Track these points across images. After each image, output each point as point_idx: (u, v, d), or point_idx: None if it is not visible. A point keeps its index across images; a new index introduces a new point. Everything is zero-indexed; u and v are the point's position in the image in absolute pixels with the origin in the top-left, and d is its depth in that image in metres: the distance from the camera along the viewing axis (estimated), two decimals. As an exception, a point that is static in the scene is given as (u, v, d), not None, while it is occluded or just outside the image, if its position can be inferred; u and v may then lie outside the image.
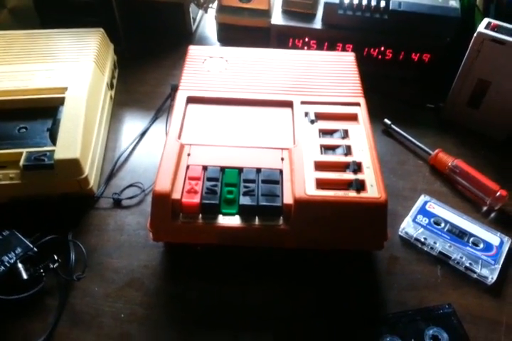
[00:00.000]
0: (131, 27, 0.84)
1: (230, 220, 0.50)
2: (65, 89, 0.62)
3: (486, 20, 0.62)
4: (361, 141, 0.56)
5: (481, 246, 0.55)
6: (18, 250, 0.51)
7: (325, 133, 0.57)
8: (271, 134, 0.57)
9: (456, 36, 0.72)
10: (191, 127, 0.57)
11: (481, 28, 0.61)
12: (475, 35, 0.62)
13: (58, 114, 0.60)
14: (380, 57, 0.77)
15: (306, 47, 0.78)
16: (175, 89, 0.63)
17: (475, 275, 0.54)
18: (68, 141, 0.56)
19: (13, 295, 0.49)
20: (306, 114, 0.59)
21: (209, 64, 0.65)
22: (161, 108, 0.73)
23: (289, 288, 0.52)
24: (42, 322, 0.49)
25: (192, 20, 0.87)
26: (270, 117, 0.59)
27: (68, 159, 0.55)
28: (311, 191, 0.50)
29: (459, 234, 0.56)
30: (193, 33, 0.89)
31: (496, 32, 0.60)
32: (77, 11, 0.78)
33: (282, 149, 0.55)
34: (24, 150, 0.56)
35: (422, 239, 0.56)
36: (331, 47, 0.77)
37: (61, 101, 0.60)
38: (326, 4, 0.73)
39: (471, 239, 0.56)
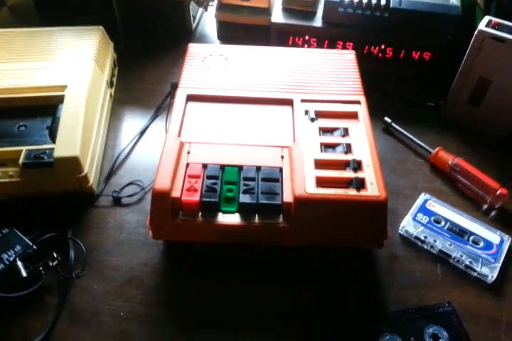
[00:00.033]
0: (131, 25, 0.84)
1: (230, 218, 0.50)
2: (65, 87, 0.62)
3: (486, 18, 0.62)
4: (361, 139, 0.56)
5: (481, 244, 0.55)
6: (18, 248, 0.51)
7: (325, 131, 0.57)
8: (271, 132, 0.57)
9: (457, 34, 0.71)
10: (191, 125, 0.57)
11: (482, 25, 0.61)
12: (475, 33, 0.61)
13: (58, 111, 0.60)
14: (380, 55, 0.77)
15: (306, 46, 0.78)
16: (175, 87, 0.63)
17: (475, 274, 0.53)
18: (68, 139, 0.56)
19: (12, 293, 0.49)
20: (306, 112, 0.59)
21: (209, 62, 0.65)
22: (160, 106, 0.73)
23: (288, 287, 0.52)
24: (41, 319, 0.49)
25: (192, 18, 0.87)
26: (270, 115, 0.59)
27: (68, 157, 0.55)
28: (311, 189, 0.49)
29: (459, 233, 0.56)
30: (193, 31, 0.89)
31: (497, 30, 0.60)
32: (77, 8, 0.78)
33: (282, 147, 0.55)
34: (24, 148, 0.56)
35: (422, 238, 0.56)
36: (332, 46, 0.77)
37: (61, 99, 0.60)
38: (327, 2, 0.73)
39: (471, 238, 0.56)
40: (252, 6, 0.77)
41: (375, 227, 0.51)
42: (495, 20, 0.61)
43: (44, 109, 0.61)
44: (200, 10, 0.92)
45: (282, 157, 0.54)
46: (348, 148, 0.54)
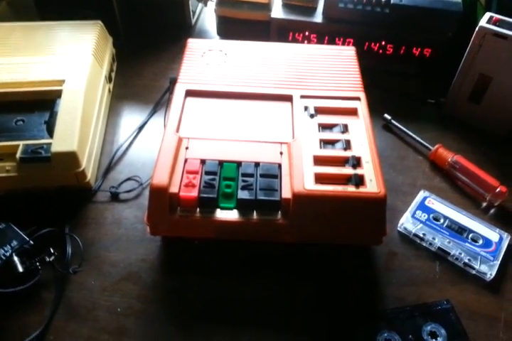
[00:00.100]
0: (131, 20, 0.83)
1: (228, 214, 0.50)
2: (63, 81, 0.61)
3: (487, 15, 0.61)
4: (361, 135, 0.55)
5: (480, 242, 0.55)
6: (14, 243, 0.51)
7: (324, 127, 0.57)
8: (270, 128, 0.56)
9: (458, 31, 0.71)
10: (190, 120, 0.57)
11: (483, 22, 0.61)
12: (476, 29, 0.61)
13: (56, 106, 0.59)
14: (380, 51, 0.77)
15: (306, 41, 0.77)
16: (173, 82, 0.63)
17: (474, 272, 0.53)
18: (65, 134, 0.56)
19: (8, 288, 0.48)
20: (306, 108, 0.58)
21: (208, 57, 0.65)
22: (159, 101, 0.73)
23: (287, 283, 0.52)
24: (38, 315, 0.49)
25: (191, 13, 0.86)
26: (269, 111, 0.59)
27: (65, 152, 0.55)
28: (310, 186, 0.49)
29: (458, 230, 0.56)
30: (193, 26, 0.89)
31: (498, 26, 0.60)
32: (76, 3, 0.78)
33: (281, 143, 0.54)
34: (21, 143, 0.55)
35: (421, 235, 0.56)
36: (332, 42, 0.76)
37: (58, 94, 0.60)
38: (327, -2, 0.72)
39: (470, 235, 0.56)
40: (252, 1, 0.77)
41: (374, 224, 0.51)
42: (496, 16, 0.61)
43: (42, 103, 0.60)
44: (200, 5, 0.92)
45: (281, 153, 0.53)
46: (348, 145, 0.54)
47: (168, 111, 0.60)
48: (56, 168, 0.55)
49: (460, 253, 0.54)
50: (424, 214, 0.58)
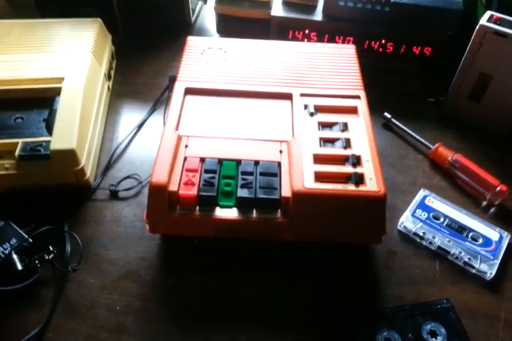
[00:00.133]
0: (130, 18, 0.83)
1: (228, 213, 0.49)
2: (62, 79, 0.61)
3: (488, 13, 0.61)
4: (361, 134, 0.55)
5: (480, 241, 0.55)
6: (13, 241, 0.51)
7: (324, 125, 0.57)
8: (270, 126, 0.56)
9: (458, 29, 0.71)
10: (189, 118, 0.56)
11: (483, 20, 0.61)
12: (477, 27, 0.61)
13: (55, 104, 0.59)
14: (380, 50, 0.76)
15: (306, 40, 0.77)
16: (173, 80, 0.62)
17: (474, 271, 0.53)
18: (64, 132, 0.56)
19: (7, 286, 0.48)
20: (306, 107, 0.58)
21: (208, 55, 0.65)
22: (159, 99, 0.73)
23: (287, 282, 0.52)
24: (37, 313, 0.49)
25: (191, 11, 0.86)
26: (269, 109, 0.59)
27: (64, 150, 0.54)
28: (310, 184, 0.49)
29: (458, 229, 0.56)
30: (192, 24, 0.89)
31: (499, 25, 0.60)
32: (76, 1, 0.77)
33: (281, 142, 0.54)
34: (20, 141, 0.55)
35: (421, 234, 0.56)
36: (332, 40, 0.76)
37: (58, 92, 0.60)
38: (327, -4, 0.72)
39: (470, 234, 0.56)
40: (252, -1, 0.76)
41: (374, 223, 0.51)
42: (496, 15, 0.61)
43: (41, 101, 0.60)
44: (200, 3, 0.91)
45: (281, 151, 0.53)
46: (348, 143, 0.54)
47: (167, 109, 0.60)
48: (55, 165, 0.55)
49: (460, 252, 0.54)
50: (424, 213, 0.57)
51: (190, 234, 0.53)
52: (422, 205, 0.58)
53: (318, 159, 0.52)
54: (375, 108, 0.63)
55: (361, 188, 0.49)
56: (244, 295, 0.51)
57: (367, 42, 0.76)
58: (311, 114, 0.57)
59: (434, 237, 0.55)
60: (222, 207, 0.50)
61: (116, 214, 0.58)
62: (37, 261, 0.51)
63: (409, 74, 0.78)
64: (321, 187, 0.49)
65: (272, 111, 0.58)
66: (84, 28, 0.70)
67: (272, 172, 0.51)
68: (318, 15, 0.75)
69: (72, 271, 0.51)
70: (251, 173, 0.51)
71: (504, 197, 0.59)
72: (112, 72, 0.75)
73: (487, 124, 0.69)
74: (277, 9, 0.76)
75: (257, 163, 0.52)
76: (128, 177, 0.62)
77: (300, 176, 0.50)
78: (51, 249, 0.51)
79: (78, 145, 0.56)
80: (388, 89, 0.75)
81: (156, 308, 0.50)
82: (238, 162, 0.52)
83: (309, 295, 0.51)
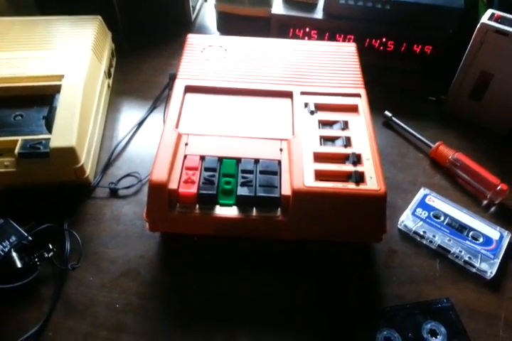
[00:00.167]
0: (130, 15, 0.83)
1: (228, 211, 0.49)
2: (62, 76, 0.61)
3: (489, 11, 0.61)
4: (361, 132, 0.55)
5: (481, 240, 0.55)
6: (13, 239, 0.51)
7: (324, 124, 0.57)
8: (270, 125, 0.56)
9: (459, 28, 0.71)
10: (189, 116, 0.56)
11: (485, 19, 0.60)
12: (478, 26, 0.61)
13: (54, 101, 0.59)
14: (381, 48, 0.76)
15: (306, 38, 0.77)
16: (173, 78, 0.62)
17: (474, 270, 0.53)
18: (64, 129, 0.56)
19: (7, 284, 0.48)
20: (306, 105, 0.58)
21: (208, 53, 0.64)
22: (159, 97, 0.72)
23: (287, 280, 0.52)
24: (36, 311, 0.49)
25: (191, 8, 0.86)
26: (269, 107, 0.58)
27: (64, 147, 0.54)
28: (310, 182, 0.49)
29: (459, 228, 0.56)
30: (193, 22, 0.88)
31: (500, 23, 0.60)
32: (76, -2, 0.77)
33: (281, 140, 0.54)
34: (20, 138, 0.55)
35: (421, 233, 0.56)
36: (332, 38, 0.76)
37: (57, 89, 0.60)
38: (328, -6, 0.72)
39: (471, 233, 0.55)
40: (253, -4, 0.76)
41: (374, 221, 0.51)
42: (498, 13, 0.61)
43: (41, 98, 0.60)
44: (200, 0, 0.91)
45: (281, 150, 0.53)
46: (348, 142, 0.54)
47: (167, 107, 0.60)
48: (55, 163, 0.55)
49: (460, 251, 0.54)
50: (425, 212, 0.57)
51: (190, 232, 0.53)
52: (423, 204, 0.58)
53: (319, 157, 0.52)
54: (376, 106, 0.63)
55: (361, 187, 0.49)
56: (244, 294, 0.51)
57: (367, 40, 0.76)
58: (312, 112, 0.57)
59: (434, 236, 0.55)
60: (222, 205, 0.50)
61: (115, 213, 0.58)
62: (36, 259, 0.50)
63: (410, 72, 0.78)
64: (321, 186, 0.49)
65: (272, 109, 0.58)
66: (84, 25, 0.70)
67: (272, 170, 0.51)
68: (318, 14, 0.75)
69: (72, 269, 0.51)
70: (251, 171, 0.51)
71: (505, 196, 0.59)
72: (112, 70, 0.75)
73: (488, 123, 0.69)
74: (278, 7, 0.76)
75: (257, 161, 0.52)
76: (128, 175, 0.62)
77: (300, 174, 0.50)
78: (51, 247, 0.51)
79: (78, 143, 0.55)
80: (389, 87, 0.75)
81: (155, 307, 0.50)
82: (238, 160, 0.52)
83: (309, 293, 0.51)
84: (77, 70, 0.62)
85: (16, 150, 0.54)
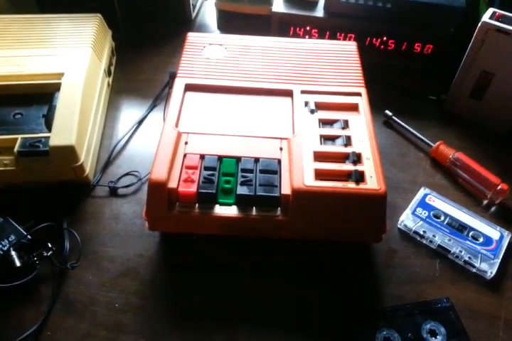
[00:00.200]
0: (130, 13, 0.83)
1: (227, 210, 0.49)
2: (61, 74, 0.61)
3: (490, 10, 0.61)
4: (361, 131, 0.55)
5: (481, 240, 0.55)
6: (12, 237, 0.51)
7: (325, 123, 0.57)
8: (270, 123, 0.56)
9: (460, 27, 0.71)
10: (189, 115, 0.56)
11: (486, 17, 0.60)
12: (479, 24, 0.60)
13: (54, 100, 0.59)
14: (382, 47, 0.76)
15: (307, 36, 0.77)
16: (173, 76, 0.62)
17: (474, 270, 0.53)
18: (64, 128, 0.55)
19: (6, 283, 0.48)
20: (306, 104, 0.58)
21: (208, 51, 0.64)
22: (159, 96, 0.72)
23: (286, 280, 0.52)
24: (35, 310, 0.49)
25: (192, 7, 0.86)
26: (269, 106, 0.58)
27: (63, 146, 0.54)
28: (310, 182, 0.49)
29: (459, 228, 0.56)
30: (193, 20, 0.88)
31: (501, 22, 0.59)
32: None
33: (281, 139, 0.54)
34: (19, 137, 0.55)
35: (421, 232, 0.55)
36: (333, 37, 0.76)
37: (57, 87, 0.59)
38: (329, -8, 0.72)
39: (471, 233, 0.55)
40: (253, -5, 0.76)
41: (374, 221, 0.51)
42: (499, 12, 0.60)
43: (40, 96, 0.60)
44: (201, -1, 0.91)
45: (281, 149, 0.53)
46: (348, 141, 0.54)
47: (167, 105, 0.60)
48: (54, 162, 0.55)
49: (460, 251, 0.54)
50: (425, 212, 0.57)
51: (190, 231, 0.53)
52: (423, 204, 0.58)
53: (319, 157, 0.52)
54: (376, 105, 0.63)
55: (361, 186, 0.49)
56: (244, 293, 0.51)
57: (368, 39, 0.75)
58: (312, 111, 0.57)
59: (434, 236, 0.55)
60: (221, 204, 0.49)
61: (115, 211, 0.58)
62: (35, 258, 0.50)
63: (411, 71, 0.78)
64: (321, 185, 0.49)
65: (272, 108, 0.58)
66: (84, 23, 0.69)
67: (272, 169, 0.51)
68: (319, 12, 0.74)
69: (71, 268, 0.51)
70: (251, 171, 0.51)
71: (505, 195, 0.59)
72: (112, 68, 0.75)
73: (488, 122, 0.69)
74: (278, 5, 0.76)
75: (257, 160, 0.52)
76: (127, 174, 0.62)
77: (300, 174, 0.50)
78: (50, 245, 0.51)
79: (77, 141, 0.55)
80: (389, 86, 0.75)
81: (154, 306, 0.50)
82: (238, 159, 0.52)
83: (309, 293, 0.51)
84: (76, 68, 0.62)
85: (16, 149, 0.54)
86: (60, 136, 0.55)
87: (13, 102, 0.60)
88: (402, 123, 0.68)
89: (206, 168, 0.51)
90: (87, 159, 0.58)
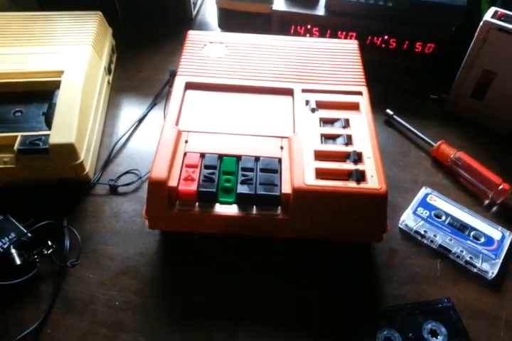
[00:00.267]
0: (131, 11, 0.83)
1: (228, 209, 0.49)
2: (62, 72, 0.61)
3: (492, 9, 0.61)
4: (362, 130, 0.55)
5: (482, 240, 0.55)
6: (12, 235, 0.51)
7: (326, 122, 0.56)
8: (270, 122, 0.56)
9: (462, 25, 0.70)
10: (189, 113, 0.56)
11: (488, 16, 0.60)
12: (481, 23, 0.60)
13: (54, 97, 0.59)
14: (383, 46, 0.76)
15: (308, 35, 0.77)
16: (173, 74, 0.62)
17: (475, 270, 0.53)
18: (64, 126, 0.55)
19: (6, 281, 0.48)
20: (307, 103, 0.58)
21: (208, 49, 0.64)
22: (159, 94, 0.72)
23: (287, 279, 0.52)
24: (35, 308, 0.49)
25: (192, 5, 0.85)
26: (270, 105, 0.58)
27: (63, 144, 0.54)
28: (310, 181, 0.49)
29: (460, 228, 0.56)
30: (194, 18, 0.88)
31: (503, 21, 0.59)
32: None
33: (282, 138, 0.54)
34: (19, 134, 0.55)
35: (422, 232, 0.55)
36: (334, 35, 0.76)
37: (57, 85, 0.59)
38: (330, -10, 0.72)
39: (472, 233, 0.55)
40: (254, -7, 0.76)
41: (375, 221, 0.50)
42: (501, 11, 0.60)
43: (40, 94, 0.60)
44: (201, -3, 0.91)
45: (282, 147, 0.53)
46: (349, 140, 0.53)
47: (167, 103, 0.60)
48: (54, 159, 0.54)
49: (461, 251, 0.53)
50: (426, 211, 0.57)
51: (190, 230, 0.53)
52: (424, 203, 0.58)
53: (319, 156, 0.52)
54: (377, 104, 0.62)
55: (362, 185, 0.49)
56: (244, 292, 0.51)
57: (369, 37, 0.75)
58: (313, 110, 0.57)
59: (435, 236, 0.55)
60: (222, 203, 0.49)
61: (115, 210, 0.58)
62: (36, 256, 0.50)
63: (412, 70, 0.77)
64: (322, 184, 0.49)
65: (273, 106, 0.58)
66: (84, 21, 0.69)
67: (272, 168, 0.51)
68: (320, 10, 0.74)
69: (71, 266, 0.51)
70: (251, 169, 0.51)
71: (506, 195, 0.59)
72: (113, 66, 0.75)
73: (490, 122, 0.69)
74: (279, 3, 0.75)
75: (257, 159, 0.52)
76: (128, 172, 0.62)
77: (301, 173, 0.49)
78: (50, 243, 0.51)
79: (77, 139, 0.55)
80: (391, 85, 0.75)
81: (155, 304, 0.49)
82: (238, 158, 0.52)
83: (309, 292, 0.51)
84: (77, 66, 0.62)
85: (16, 147, 0.54)
86: (60, 133, 0.54)
87: (13, 100, 0.60)
88: (403, 123, 0.68)
89: (206, 167, 0.50)
90: (87, 157, 0.58)
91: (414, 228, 0.56)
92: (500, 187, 0.58)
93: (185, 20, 0.87)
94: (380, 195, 0.48)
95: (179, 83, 0.59)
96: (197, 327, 0.48)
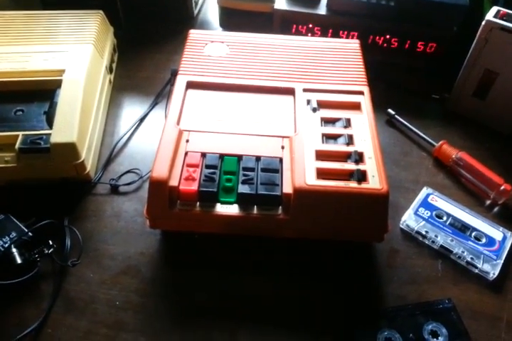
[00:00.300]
0: (132, 10, 0.82)
1: (228, 209, 0.49)
2: (63, 71, 0.61)
3: (494, 9, 0.61)
4: (364, 130, 0.55)
5: (484, 240, 0.55)
6: (13, 234, 0.51)
7: (327, 121, 0.56)
8: (272, 122, 0.56)
9: (464, 25, 0.70)
10: (190, 113, 0.56)
11: (490, 16, 0.60)
12: (483, 23, 0.60)
13: (55, 96, 0.59)
14: (385, 45, 0.76)
15: (309, 34, 0.76)
16: (175, 74, 0.62)
17: (476, 271, 0.53)
18: (65, 125, 0.55)
19: (7, 280, 0.48)
20: (308, 102, 0.58)
21: (210, 49, 0.64)
22: (160, 93, 0.72)
23: (288, 279, 0.52)
24: (36, 308, 0.49)
25: (194, 4, 0.85)
26: (271, 104, 0.58)
27: (64, 143, 0.54)
28: (311, 181, 0.49)
29: (461, 228, 0.56)
30: (195, 17, 0.88)
31: (505, 20, 0.59)
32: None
33: (283, 137, 0.54)
34: (20, 133, 0.55)
35: (423, 232, 0.55)
36: (336, 35, 0.75)
37: (58, 84, 0.59)
38: (332, -11, 0.71)
39: (474, 234, 0.55)
40: (256, -8, 0.76)
41: (376, 221, 0.50)
42: (503, 10, 0.60)
43: (42, 93, 0.60)
44: (203, -4, 0.91)
45: (283, 147, 0.53)
46: (350, 140, 0.53)
47: (169, 103, 0.60)
48: (55, 159, 0.54)
49: (463, 252, 0.53)
50: (427, 212, 0.57)
51: (191, 229, 0.53)
52: (425, 203, 0.58)
53: (321, 155, 0.52)
54: (379, 104, 0.62)
55: (363, 185, 0.49)
56: (245, 292, 0.51)
57: (371, 37, 0.75)
58: (314, 110, 0.57)
59: (436, 236, 0.55)
60: (222, 203, 0.49)
61: (116, 209, 0.58)
62: (36, 255, 0.50)
63: (414, 70, 0.77)
64: (323, 184, 0.48)
65: (274, 106, 0.58)
66: (85, 20, 0.69)
67: (273, 168, 0.51)
68: (322, 9, 0.74)
69: (72, 265, 0.51)
70: (252, 169, 0.50)
71: (508, 196, 0.59)
72: (114, 65, 0.74)
73: (492, 122, 0.68)
74: (281, 2, 0.75)
75: (258, 158, 0.52)
76: (129, 171, 0.62)
77: (302, 172, 0.49)
78: (51, 243, 0.51)
79: (79, 138, 0.55)
80: (392, 85, 0.75)
81: (155, 304, 0.49)
82: (239, 157, 0.52)
83: (310, 292, 0.51)
84: (78, 65, 0.62)
85: (17, 146, 0.54)
86: (61, 133, 0.54)
87: (14, 99, 0.60)
88: (405, 122, 0.68)
89: (207, 166, 0.50)
90: (88, 156, 0.58)
91: (416, 228, 0.55)
92: (502, 187, 0.58)
93: (186, 19, 0.87)
94: (381, 195, 0.48)
95: (180, 82, 0.59)
96: (198, 327, 0.48)
